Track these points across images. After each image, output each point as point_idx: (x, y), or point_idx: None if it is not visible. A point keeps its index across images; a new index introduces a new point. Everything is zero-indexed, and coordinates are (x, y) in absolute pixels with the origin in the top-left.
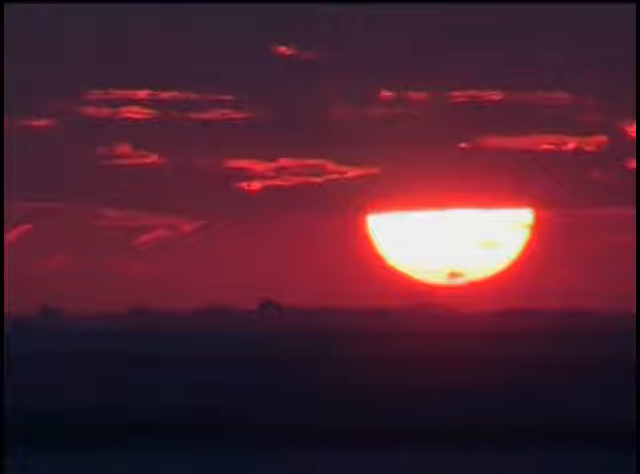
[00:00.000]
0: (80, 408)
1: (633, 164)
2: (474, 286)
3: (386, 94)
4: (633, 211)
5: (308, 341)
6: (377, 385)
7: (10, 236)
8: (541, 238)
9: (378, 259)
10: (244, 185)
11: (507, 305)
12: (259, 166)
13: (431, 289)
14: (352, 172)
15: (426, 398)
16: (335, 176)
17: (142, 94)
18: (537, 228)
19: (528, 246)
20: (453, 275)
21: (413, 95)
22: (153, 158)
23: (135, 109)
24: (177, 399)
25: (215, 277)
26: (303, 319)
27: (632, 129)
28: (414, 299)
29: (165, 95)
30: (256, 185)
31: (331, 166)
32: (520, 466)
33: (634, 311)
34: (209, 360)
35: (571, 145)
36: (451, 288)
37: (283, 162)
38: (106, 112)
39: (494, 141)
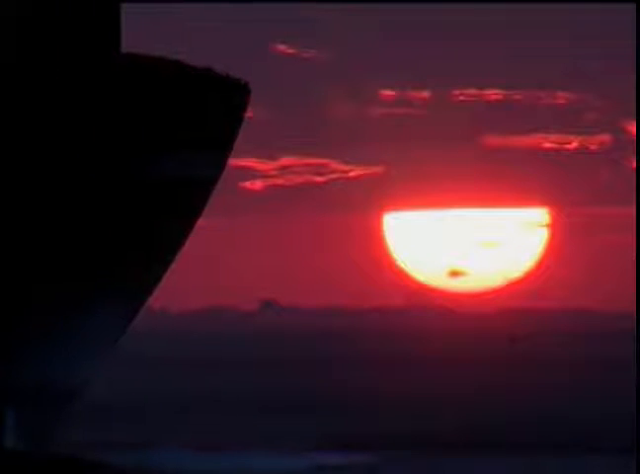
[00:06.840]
0: None
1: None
2: (479, 286)
3: (386, 93)
4: (633, 211)
5: (308, 341)
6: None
7: None
8: (542, 237)
9: (383, 258)
10: (247, 184)
11: (507, 305)
12: (261, 165)
13: (431, 290)
14: (355, 171)
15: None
16: (338, 175)
17: None
18: (538, 228)
19: (529, 245)
20: (454, 273)
21: (414, 94)
22: None
23: None
24: None
25: (216, 278)
26: (303, 319)
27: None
28: (416, 299)
29: None
30: (258, 184)
31: (334, 165)
32: (520, 465)
33: (634, 311)
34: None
35: (574, 144)
36: (454, 288)
37: (285, 161)
38: None
39: (496, 141)
